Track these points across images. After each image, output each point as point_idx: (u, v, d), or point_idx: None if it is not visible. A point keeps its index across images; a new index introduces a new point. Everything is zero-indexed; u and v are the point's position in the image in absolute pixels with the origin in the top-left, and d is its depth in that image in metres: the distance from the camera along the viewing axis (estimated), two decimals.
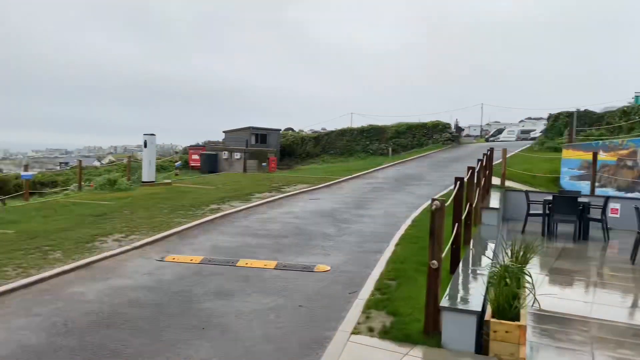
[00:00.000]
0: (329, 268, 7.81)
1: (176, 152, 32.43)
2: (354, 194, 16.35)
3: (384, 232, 10.44)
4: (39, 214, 11.92)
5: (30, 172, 15.06)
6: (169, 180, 18.73)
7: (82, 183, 17.08)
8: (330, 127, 48.56)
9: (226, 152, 32.50)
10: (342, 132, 41.20)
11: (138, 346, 4.99)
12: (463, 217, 7.43)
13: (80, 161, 17.51)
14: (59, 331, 5.29)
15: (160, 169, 24.01)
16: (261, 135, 38.87)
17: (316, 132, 46.42)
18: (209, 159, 31.51)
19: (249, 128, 38.49)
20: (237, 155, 31.89)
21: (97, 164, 51.42)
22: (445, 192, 15.80)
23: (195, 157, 33.58)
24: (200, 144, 41.17)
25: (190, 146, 39.51)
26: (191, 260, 8.23)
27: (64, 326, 5.43)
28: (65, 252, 8.45)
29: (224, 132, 40.27)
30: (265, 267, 7.87)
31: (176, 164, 25.05)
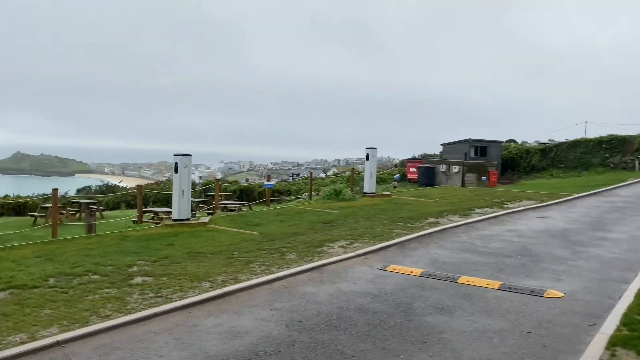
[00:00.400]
0: (562, 294, 7.06)
1: (395, 165, 33.33)
2: (590, 214, 14.54)
3: (630, 260, 9.03)
4: (277, 219, 13.45)
5: (271, 182, 17.18)
6: (388, 193, 19.33)
7: (312, 192, 18.79)
8: (559, 138, 44.07)
9: (444, 165, 32.14)
10: (575, 144, 37.04)
11: (363, 351, 5.22)
12: None
13: (311, 173, 19.32)
14: (295, 327, 5.87)
15: (379, 181, 24.98)
16: (481, 148, 37.39)
17: (543, 143, 42.66)
18: (427, 172, 31.58)
19: (467, 140, 37.41)
20: (455, 169, 31.28)
21: (322, 175, 55.90)
22: None
23: (413, 170, 34.04)
24: (417, 157, 41.57)
25: (408, 159, 40.19)
26: (411, 272, 8.31)
27: (299, 323, 6.00)
28: (299, 254, 9.37)
29: (441, 144, 39.93)
30: (488, 286, 7.51)
31: (395, 176, 25.79)
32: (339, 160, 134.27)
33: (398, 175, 26.19)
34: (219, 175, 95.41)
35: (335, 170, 73.77)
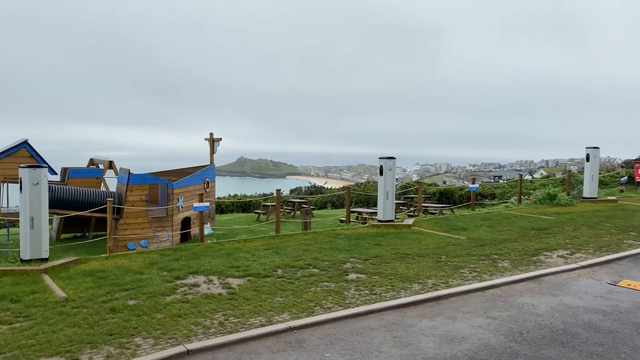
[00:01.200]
0: None
1: (622, 166, 29.23)
2: None
3: None
4: (484, 224, 12.91)
5: (476, 185, 16.57)
6: (613, 197, 17.04)
7: (522, 196, 17.59)
8: None
9: None
10: None
11: None
12: None
13: (520, 175, 18.06)
14: (515, 338, 5.57)
15: (600, 184, 22.16)
16: None
17: None
18: None
19: None
20: None
21: (528, 177, 51.97)
22: None
23: None
24: None
25: (635, 159, 34.91)
26: None
27: (519, 334, 5.67)
28: (512, 262, 8.86)
29: None
30: None
31: (622, 179, 22.57)
32: (546, 161, 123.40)
33: (625, 177, 22.86)
34: (414, 178, 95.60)
35: (543, 172, 67.92)
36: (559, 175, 36.24)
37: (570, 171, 22.91)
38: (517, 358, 5.05)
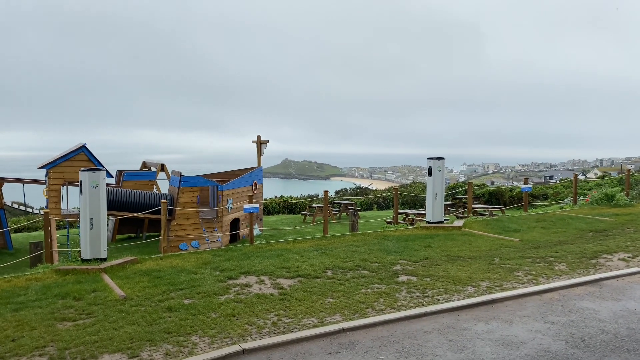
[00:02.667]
0: None
1: None
2: None
3: None
4: (538, 225, 12.51)
5: (529, 185, 16.06)
6: None
7: (577, 197, 16.92)
8: None
9: None
10: None
11: None
12: None
13: (575, 175, 17.38)
14: (576, 344, 5.36)
15: None
16: None
17: None
18: None
19: None
20: None
21: (582, 177, 50.02)
22: None
23: None
24: None
25: None
26: None
27: (581, 340, 5.45)
28: (569, 265, 8.54)
29: None
30: None
31: None
32: (601, 160, 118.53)
33: None
34: (461, 178, 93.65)
35: (597, 171, 65.23)
36: (615, 175, 34.71)
37: (629, 170, 21.86)
38: None
